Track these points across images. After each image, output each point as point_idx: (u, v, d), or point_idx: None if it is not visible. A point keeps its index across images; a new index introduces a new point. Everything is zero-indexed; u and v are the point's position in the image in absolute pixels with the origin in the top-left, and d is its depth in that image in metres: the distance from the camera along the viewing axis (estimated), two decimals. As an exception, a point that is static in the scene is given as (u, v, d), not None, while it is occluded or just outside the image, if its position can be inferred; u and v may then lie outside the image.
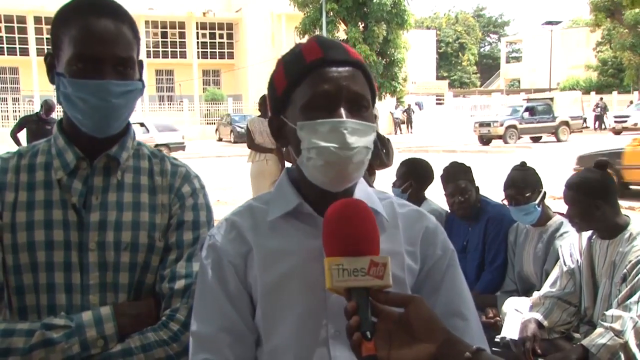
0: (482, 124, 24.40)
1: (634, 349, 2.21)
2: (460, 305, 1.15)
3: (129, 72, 1.28)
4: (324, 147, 1.05)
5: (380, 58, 25.06)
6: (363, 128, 1.07)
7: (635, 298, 2.25)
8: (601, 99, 33.22)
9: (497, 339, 2.78)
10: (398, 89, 26.20)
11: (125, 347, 1.25)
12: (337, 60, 1.08)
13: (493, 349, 2.70)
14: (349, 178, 1.10)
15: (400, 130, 31.70)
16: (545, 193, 2.95)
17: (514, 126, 23.76)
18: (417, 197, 3.71)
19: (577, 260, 2.61)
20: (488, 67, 70.37)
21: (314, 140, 1.06)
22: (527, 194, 2.90)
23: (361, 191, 1.17)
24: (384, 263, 0.95)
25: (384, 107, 29.39)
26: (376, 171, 4.91)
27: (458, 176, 3.33)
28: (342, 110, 1.05)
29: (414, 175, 3.75)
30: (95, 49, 1.23)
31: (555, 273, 2.72)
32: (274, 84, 1.14)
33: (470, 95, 44.05)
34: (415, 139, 27.45)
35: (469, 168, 3.41)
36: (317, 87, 1.06)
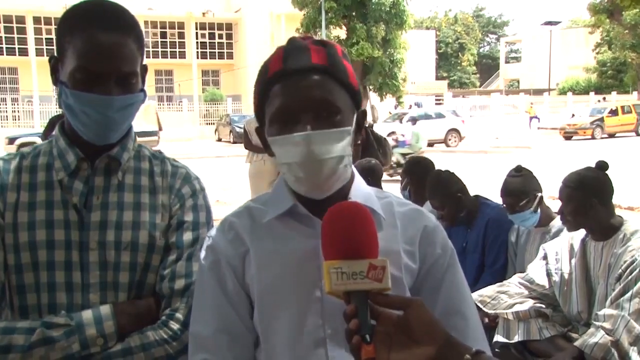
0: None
1: (627, 346, 2.21)
2: (460, 304, 1.15)
3: (132, 85, 1.28)
4: (290, 163, 1.06)
5: (380, 57, 25.07)
6: (333, 135, 1.06)
7: (627, 296, 2.26)
8: (604, 98, 33.24)
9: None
10: (397, 89, 26.21)
11: (125, 346, 1.26)
12: (298, 69, 1.06)
13: (495, 350, 2.70)
14: (326, 187, 1.09)
15: (400, 130, 31.61)
16: (542, 197, 2.95)
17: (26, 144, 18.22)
18: (421, 195, 3.75)
19: (561, 261, 2.62)
20: (487, 67, 70.40)
21: (282, 156, 1.07)
22: (522, 203, 2.89)
23: (357, 191, 1.17)
24: (382, 266, 0.95)
25: (384, 107, 29.39)
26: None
27: (433, 194, 3.36)
28: (306, 123, 1.04)
29: (410, 173, 3.87)
30: (98, 64, 1.22)
31: (536, 272, 2.72)
32: (254, 95, 1.15)
33: (470, 96, 44.07)
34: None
35: (447, 180, 3.37)
36: (278, 101, 1.06)
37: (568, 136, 25.71)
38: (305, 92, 1.05)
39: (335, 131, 1.06)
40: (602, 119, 26.06)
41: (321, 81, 1.06)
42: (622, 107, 26.78)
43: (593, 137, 25.14)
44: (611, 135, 26.11)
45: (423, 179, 3.77)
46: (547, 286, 2.67)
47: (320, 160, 1.04)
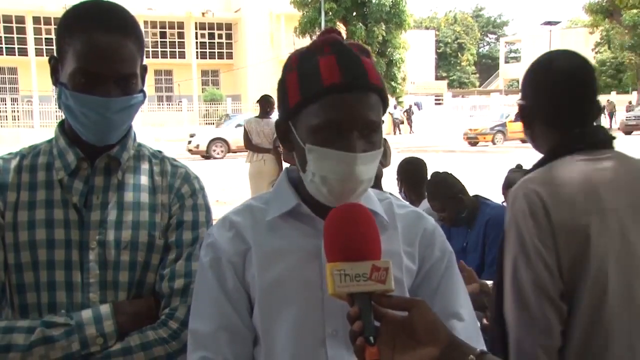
0: None
1: None
2: (457, 306, 1.16)
3: (131, 86, 1.28)
4: (330, 178, 1.05)
5: (379, 58, 25.08)
6: (374, 156, 1.07)
7: None
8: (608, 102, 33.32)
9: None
10: (397, 90, 26.24)
11: (125, 346, 1.26)
12: (356, 86, 1.05)
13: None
14: (349, 202, 1.09)
15: (400, 130, 31.71)
16: None
17: None
18: (416, 195, 3.75)
19: None
20: (487, 67, 70.41)
21: (320, 168, 1.05)
22: None
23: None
24: (385, 267, 0.95)
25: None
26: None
27: (433, 196, 3.35)
28: (354, 140, 1.04)
29: (402, 175, 3.91)
30: (98, 66, 1.22)
31: None
32: (286, 92, 1.10)
33: (469, 96, 44.08)
34: (414, 139, 27.45)
35: (447, 182, 3.35)
36: (331, 113, 1.04)
37: (472, 142, 23.63)
38: (361, 111, 1.04)
39: (377, 152, 1.08)
40: (504, 124, 23.87)
41: (375, 101, 1.07)
42: None
43: (493, 143, 23.21)
44: (523, 141, 24.44)
45: (414, 178, 3.79)
46: None
47: (360, 180, 1.06)
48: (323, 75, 1.04)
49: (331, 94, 1.04)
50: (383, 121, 1.15)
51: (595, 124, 1.58)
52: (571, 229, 1.41)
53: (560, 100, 1.52)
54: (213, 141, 21.17)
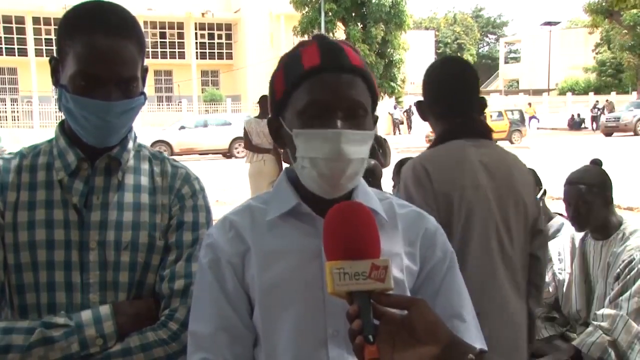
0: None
1: (624, 345, 2.22)
2: (459, 307, 1.15)
3: (132, 89, 1.28)
4: (318, 158, 1.05)
5: (379, 59, 25.07)
6: (360, 137, 1.07)
7: (625, 296, 2.26)
8: (597, 101, 33.30)
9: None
10: (396, 90, 26.22)
11: (125, 347, 1.26)
12: (335, 66, 1.07)
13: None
14: (343, 188, 1.10)
15: (399, 130, 31.73)
16: (545, 191, 2.94)
17: None
18: None
19: (564, 261, 2.62)
20: (487, 67, 70.36)
21: (308, 150, 1.06)
22: None
23: (360, 192, 1.17)
24: (385, 266, 0.94)
25: (383, 108, 29.39)
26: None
27: None
28: (338, 120, 1.04)
29: (399, 176, 3.91)
30: (99, 69, 1.22)
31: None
32: (274, 85, 1.14)
33: (469, 96, 43.96)
34: (414, 139, 27.42)
35: None
36: (313, 95, 1.05)
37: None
38: (343, 90, 1.06)
39: (365, 133, 1.08)
40: None
41: (357, 82, 1.08)
42: (492, 113, 24.14)
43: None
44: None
45: None
46: (552, 292, 2.67)
47: (348, 159, 1.05)
48: (304, 60, 1.08)
49: (312, 75, 1.06)
50: (377, 117, 1.16)
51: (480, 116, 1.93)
52: (446, 195, 1.75)
53: (444, 98, 1.87)
54: (155, 144, 20.50)
